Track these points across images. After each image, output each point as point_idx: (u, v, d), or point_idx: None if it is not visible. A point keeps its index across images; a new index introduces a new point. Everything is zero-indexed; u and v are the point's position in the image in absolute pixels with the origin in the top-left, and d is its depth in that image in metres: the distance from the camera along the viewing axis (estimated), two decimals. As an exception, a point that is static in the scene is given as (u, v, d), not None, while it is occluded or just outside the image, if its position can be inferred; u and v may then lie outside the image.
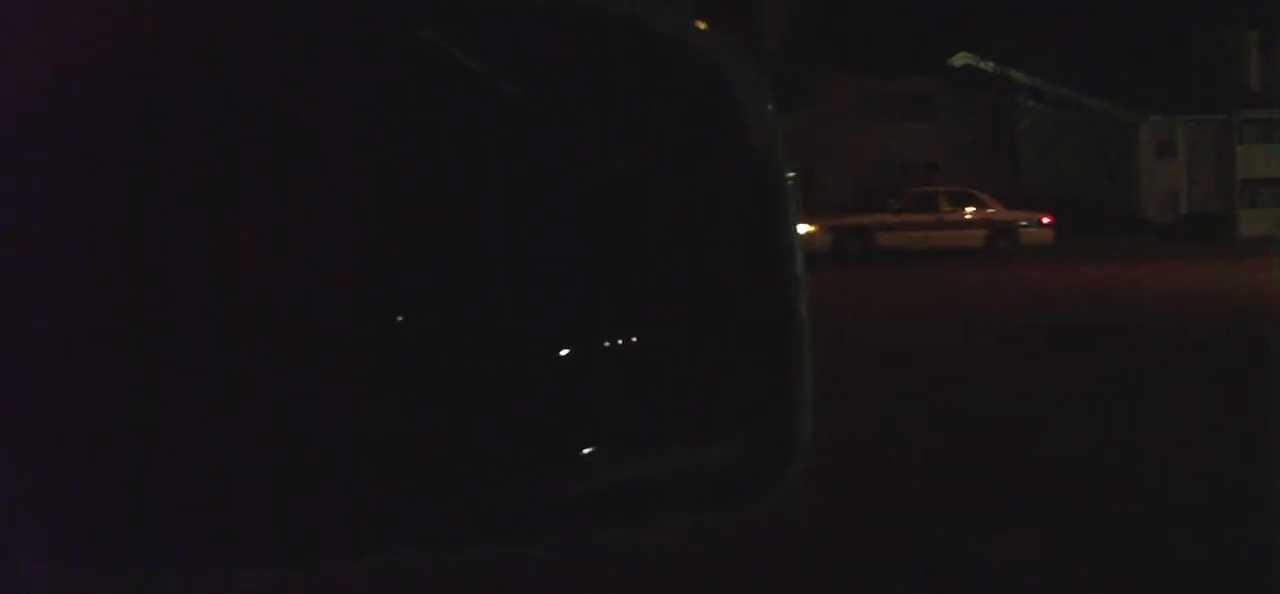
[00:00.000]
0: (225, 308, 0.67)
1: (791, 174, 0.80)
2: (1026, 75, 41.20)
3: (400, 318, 0.70)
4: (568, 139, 0.76)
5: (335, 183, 0.70)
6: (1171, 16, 42.96)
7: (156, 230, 0.66)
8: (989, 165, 38.67)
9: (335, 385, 0.69)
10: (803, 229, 0.93)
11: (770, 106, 0.79)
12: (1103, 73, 41.00)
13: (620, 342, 0.76)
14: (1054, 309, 14.48)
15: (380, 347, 0.70)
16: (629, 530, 0.77)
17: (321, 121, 0.71)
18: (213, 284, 0.67)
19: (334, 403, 0.69)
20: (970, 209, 28.42)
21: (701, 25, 0.77)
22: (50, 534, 0.64)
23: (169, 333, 0.66)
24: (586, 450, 0.75)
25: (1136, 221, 37.70)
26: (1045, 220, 28.29)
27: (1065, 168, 40.61)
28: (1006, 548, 4.67)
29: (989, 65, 40.98)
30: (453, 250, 0.72)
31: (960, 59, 41.89)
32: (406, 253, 0.71)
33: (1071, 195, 37.90)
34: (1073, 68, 40.77)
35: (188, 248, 0.67)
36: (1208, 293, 16.06)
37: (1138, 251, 27.08)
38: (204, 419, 0.66)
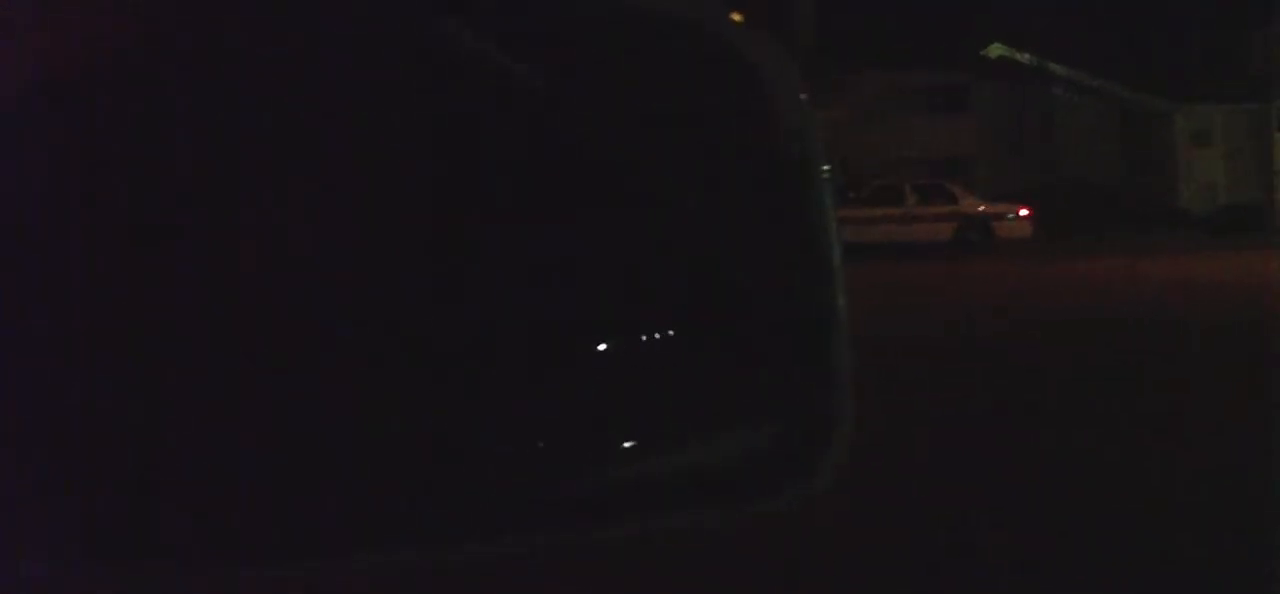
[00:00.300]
0: (225, 308, 0.67)
1: (827, 167, 0.79)
2: (1061, 66, 40.93)
3: (408, 318, 0.70)
4: (589, 131, 0.76)
5: (336, 183, 0.70)
6: (1208, 5, 42.60)
7: (156, 230, 0.66)
8: (1023, 157, 38.43)
9: (337, 385, 0.69)
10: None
11: (803, 97, 0.79)
12: (1139, 62, 40.70)
13: (651, 337, 0.76)
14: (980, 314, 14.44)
15: (385, 347, 0.70)
16: (655, 524, 0.77)
17: (322, 121, 0.71)
18: (213, 284, 0.67)
19: (335, 403, 0.69)
20: (940, 201, 27.45)
21: (735, 17, 0.77)
22: (50, 534, 0.64)
23: (169, 333, 0.66)
24: (611, 446, 0.75)
25: (1171, 213, 37.21)
26: (1022, 212, 27.43)
27: (1100, 158, 40.35)
28: (1006, 548, 4.67)
29: (1024, 56, 40.71)
30: (460, 250, 0.72)
31: (995, 50, 41.60)
32: (407, 253, 0.71)
33: (1095, 185, 37.50)
34: (1108, 58, 40.53)
35: (188, 248, 0.67)
36: (1186, 285, 15.97)
37: (1140, 244, 26.59)
38: (204, 419, 0.66)
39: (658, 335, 0.76)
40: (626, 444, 0.75)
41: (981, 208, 27.63)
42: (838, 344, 0.79)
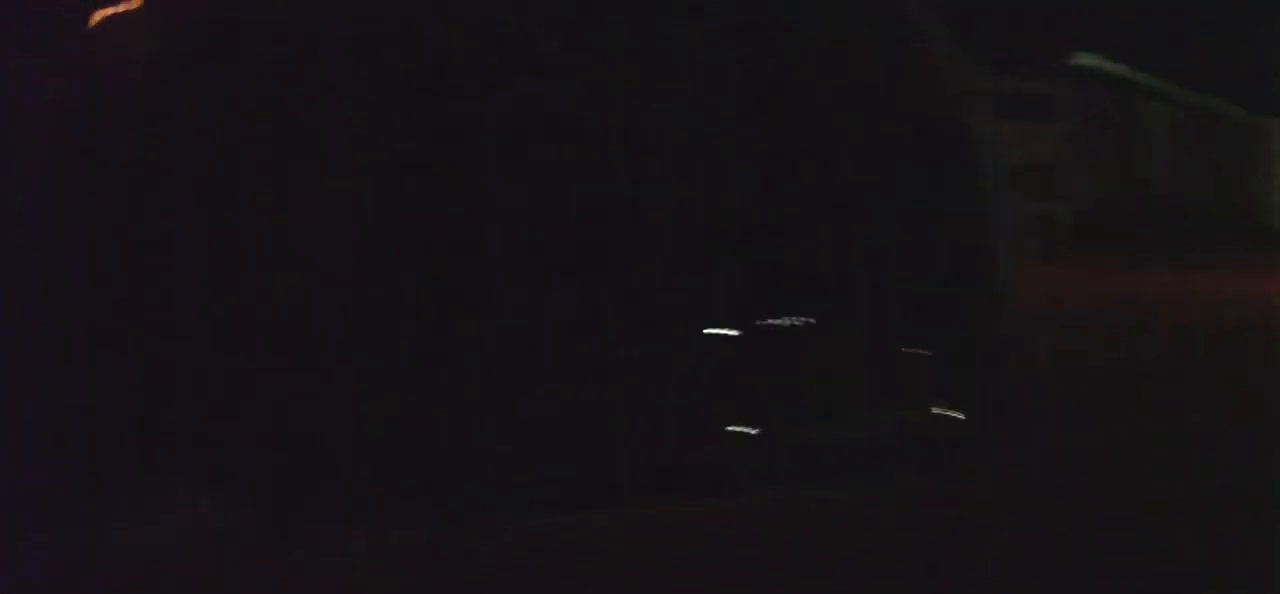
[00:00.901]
0: (225, 308, 0.67)
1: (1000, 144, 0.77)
2: (1151, 76, 40.63)
3: (409, 317, 0.70)
4: (738, 96, 0.74)
5: (336, 182, 0.70)
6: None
7: (156, 230, 0.66)
8: (1105, 167, 38.24)
9: (337, 385, 0.69)
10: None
11: (964, 63, 0.76)
12: (1231, 74, 40.39)
13: (796, 320, 0.75)
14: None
15: (387, 346, 0.70)
16: (831, 490, 0.77)
17: (322, 121, 0.71)
18: (213, 284, 0.67)
19: (335, 402, 0.69)
20: None
21: None
22: (49, 533, 0.64)
23: (169, 332, 0.66)
24: (733, 427, 0.75)
25: (1253, 227, 36.63)
26: None
27: (1189, 170, 39.99)
28: (1007, 548, 4.67)
29: (1112, 65, 40.49)
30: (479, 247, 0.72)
31: (1082, 59, 41.34)
32: (406, 253, 0.71)
33: (1172, 197, 37.09)
34: (1201, 69, 40.27)
35: (188, 247, 0.67)
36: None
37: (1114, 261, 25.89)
38: (204, 418, 0.66)
39: (799, 321, 0.75)
40: (793, 417, 0.75)
41: None
42: (1005, 324, 0.77)
